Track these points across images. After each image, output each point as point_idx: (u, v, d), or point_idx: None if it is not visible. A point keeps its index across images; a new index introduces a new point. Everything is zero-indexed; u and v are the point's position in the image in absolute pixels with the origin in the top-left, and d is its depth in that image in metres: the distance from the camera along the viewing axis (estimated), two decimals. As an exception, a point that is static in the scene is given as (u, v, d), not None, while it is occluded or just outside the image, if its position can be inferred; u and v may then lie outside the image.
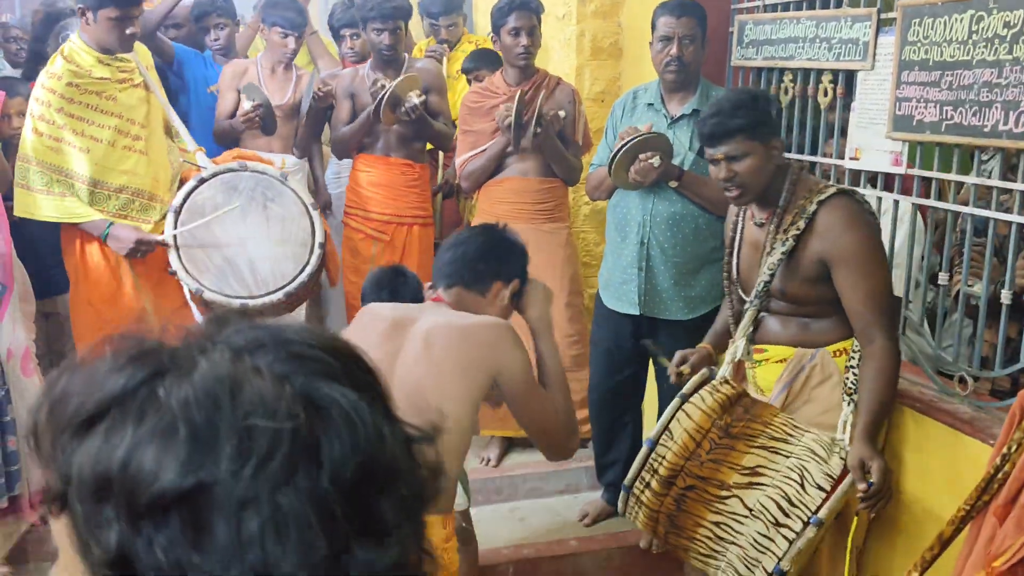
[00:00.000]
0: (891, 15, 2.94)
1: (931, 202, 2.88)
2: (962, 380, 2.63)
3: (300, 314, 4.05)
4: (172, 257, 3.07)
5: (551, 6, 4.64)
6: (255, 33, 4.82)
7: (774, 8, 3.58)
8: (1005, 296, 2.56)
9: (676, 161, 3.23)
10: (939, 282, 2.82)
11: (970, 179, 2.69)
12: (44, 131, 3.09)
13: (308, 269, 3.13)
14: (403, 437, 0.68)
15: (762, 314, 2.65)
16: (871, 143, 3.04)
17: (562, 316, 3.77)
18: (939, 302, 2.95)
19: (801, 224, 2.49)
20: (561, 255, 3.86)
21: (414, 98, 3.78)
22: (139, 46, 3.41)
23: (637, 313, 3.39)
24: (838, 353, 2.55)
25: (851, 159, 3.13)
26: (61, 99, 3.10)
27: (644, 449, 2.37)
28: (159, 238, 3.15)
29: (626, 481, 2.39)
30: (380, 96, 3.75)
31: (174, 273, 3.07)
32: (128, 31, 3.13)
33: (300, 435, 0.61)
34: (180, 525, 0.58)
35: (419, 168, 4.20)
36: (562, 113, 3.64)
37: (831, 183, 2.64)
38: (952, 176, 2.78)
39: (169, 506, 0.58)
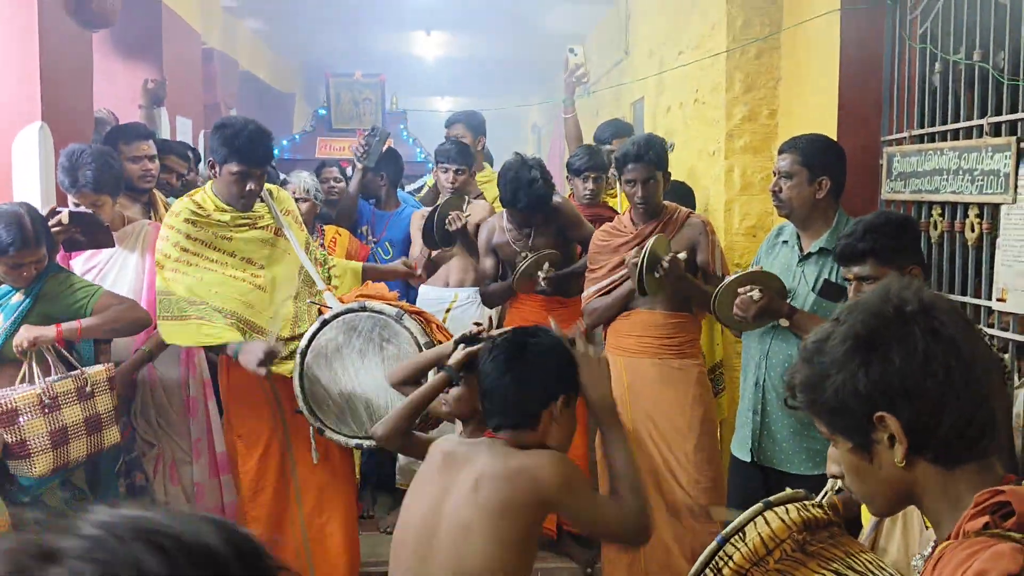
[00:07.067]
0: (1031, 146, 2.73)
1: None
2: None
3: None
4: (298, 397, 3.21)
5: (703, 143, 4.66)
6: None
7: (920, 140, 3.41)
8: None
9: (798, 301, 3.07)
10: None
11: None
12: (164, 264, 3.30)
13: (418, 411, 3.19)
14: None
15: None
16: (1016, 283, 2.78)
17: (690, 460, 3.60)
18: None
19: None
20: (691, 394, 3.66)
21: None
22: (282, 192, 3.64)
23: (749, 460, 3.19)
24: None
25: (997, 300, 2.87)
26: (177, 234, 3.30)
27: (713, 545, 2.19)
28: (281, 349, 3.25)
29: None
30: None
31: (299, 412, 3.23)
32: (249, 187, 3.30)
33: None
34: None
35: (570, 303, 4.25)
36: (682, 255, 3.45)
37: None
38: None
39: None
